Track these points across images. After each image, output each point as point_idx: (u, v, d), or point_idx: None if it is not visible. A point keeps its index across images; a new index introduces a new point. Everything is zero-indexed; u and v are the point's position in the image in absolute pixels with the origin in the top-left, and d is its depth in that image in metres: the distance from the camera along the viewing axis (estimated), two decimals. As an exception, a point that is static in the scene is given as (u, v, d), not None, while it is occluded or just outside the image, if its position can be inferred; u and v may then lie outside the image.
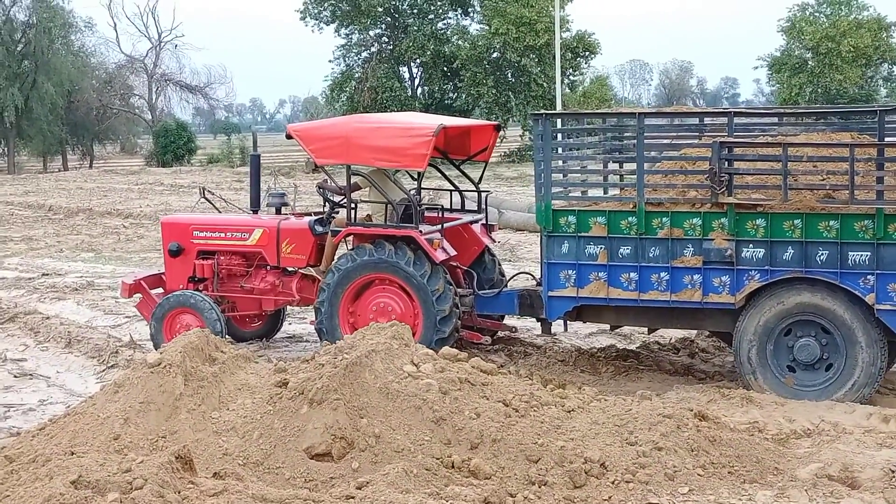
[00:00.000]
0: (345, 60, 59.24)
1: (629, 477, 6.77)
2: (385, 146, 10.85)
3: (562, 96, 44.71)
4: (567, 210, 10.25)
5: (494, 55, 55.15)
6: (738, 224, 9.61)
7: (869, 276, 9.27)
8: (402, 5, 57.80)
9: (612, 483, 6.75)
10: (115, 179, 44.25)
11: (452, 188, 12.45)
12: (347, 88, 57.40)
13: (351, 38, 59.00)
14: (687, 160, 10.38)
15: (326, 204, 11.97)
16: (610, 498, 6.62)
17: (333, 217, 11.82)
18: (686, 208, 9.87)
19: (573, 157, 11.20)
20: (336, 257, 11.51)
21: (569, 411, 7.56)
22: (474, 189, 12.24)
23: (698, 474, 6.88)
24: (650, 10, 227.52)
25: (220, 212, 13.78)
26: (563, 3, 52.59)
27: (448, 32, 57.95)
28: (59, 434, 7.38)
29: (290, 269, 11.96)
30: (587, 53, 56.51)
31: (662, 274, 9.86)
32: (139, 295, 12.31)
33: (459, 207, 12.39)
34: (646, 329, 11.45)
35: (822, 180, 9.56)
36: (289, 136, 11.50)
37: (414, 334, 10.55)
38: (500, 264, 12.32)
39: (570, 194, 10.78)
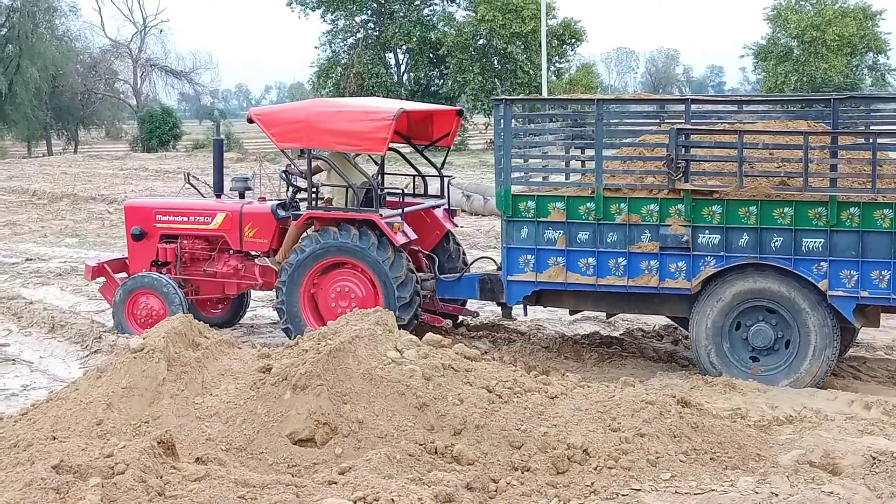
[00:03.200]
0: (331, 46, 59.05)
1: (612, 463, 6.79)
2: (346, 130, 10.91)
3: (548, 84, 44.70)
4: (526, 195, 10.30)
5: (480, 42, 55.09)
6: (695, 210, 9.69)
7: (822, 263, 9.37)
8: (389, -9, 57.66)
9: (595, 469, 6.76)
10: (99, 165, 44.02)
11: (415, 173, 12.45)
12: (333, 75, 57.19)
13: (337, 24, 58.79)
14: (645, 146, 10.45)
15: (289, 188, 11.98)
16: (592, 484, 6.63)
17: (296, 202, 11.80)
18: (643, 194, 9.94)
19: (533, 144, 11.24)
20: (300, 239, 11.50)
21: (552, 398, 7.56)
22: (437, 174, 12.24)
23: (680, 460, 6.90)
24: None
25: (204, 197, 13.74)
26: (550, -9, 52.53)
27: (434, 19, 57.81)
28: (41, 419, 7.35)
29: (252, 253, 11.96)
30: (573, 41, 56.46)
31: (620, 259, 9.94)
32: (103, 278, 12.36)
33: (422, 192, 12.39)
34: (604, 314, 11.52)
35: (778, 167, 9.64)
36: (250, 120, 11.57)
37: None
38: (463, 249, 12.32)
39: (531, 180, 10.81)
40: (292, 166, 11.96)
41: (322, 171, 11.80)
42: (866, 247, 9.26)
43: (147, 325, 11.47)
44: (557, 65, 57.34)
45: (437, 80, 58.19)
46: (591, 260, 10.02)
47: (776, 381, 9.58)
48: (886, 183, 9.46)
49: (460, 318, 12.15)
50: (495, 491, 6.54)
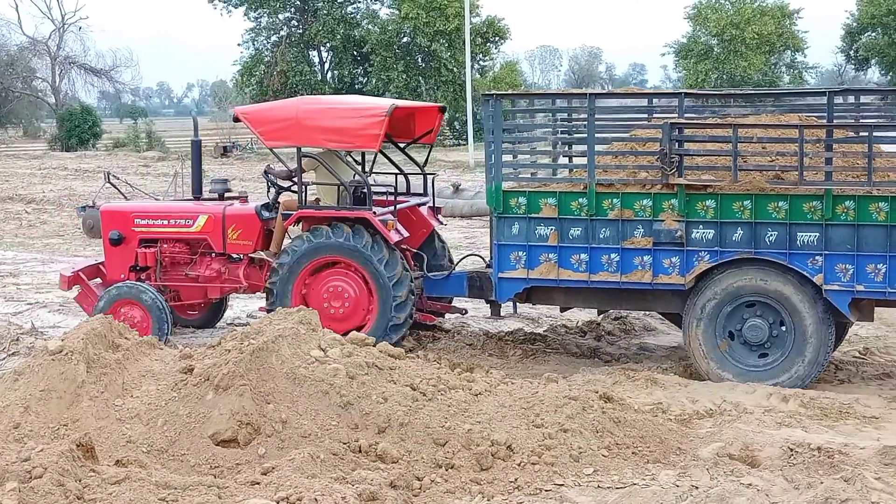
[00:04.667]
0: (254, 44, 58.81)
1: (535, 459, 6.83)
2: (337, 127, 10.74)
3: (472, 81, 44.86)
4: (517, 191, 10.19)
5: (405, 40, 55.23)
6: (688, 205, 9.62)
7: (817, 257, 9.34)
8: (312, -12, 57.50)
9: (519, 465, 6.80)
10: (17, 164, 43.27)
11: (398, 171, 12.32)
12: (257, 73, 56.95)
13: (260, 22, 58.56)
14: (637, 141, 10.39)
15: (271, 189, 11.78)
16: (516, 480, 6.67)
17: (279, 202, 11.64)
18: (636, 189, 9.84)
19: (524, 139, 11.16)
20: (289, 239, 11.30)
21: (476, 395, 7.59)
22: (420, 172, 12.14)
23: (603, 455, 6.96)
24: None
25: (126, 197, 13.56)
26: (473, -11, 52.73)
27: (358, 16, 57.80)
28: (-44, 423, 7.21)
29: (235, 255, 11.77)
30: (497, 39, 56.84)
31: (613, 255, 9.85)
32: (78, 287, 12.05)
33: (405, 190, 12.22)
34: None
35: (771, 161, 9.60)
36: (236, 119, 11.34)
37: (367, 320, 10.54)
38: (448, 248, 12.22)
39: (522, 175, 10.72)
40: (272, 167, 11.81)
41: (306, 170, 11.57)
42: (861, 240, 9.22)
43: None
44: (481, 62, 57.66)
45: (361, 78, 58.17)
46: (583, 256, 9.93)
47: (776, 375, 9.53)
48: (881, 176, 9.42)
49: (447, 316, 12.07)
50: (419, 489, 6.55)
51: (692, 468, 6.81)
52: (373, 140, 10.64)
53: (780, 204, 9.42)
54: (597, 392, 7.83)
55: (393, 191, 11.66)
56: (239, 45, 59.61)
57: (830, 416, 8.54)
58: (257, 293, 11.72)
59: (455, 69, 53.93)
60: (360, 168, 11.82)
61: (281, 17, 58.17)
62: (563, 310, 11.54)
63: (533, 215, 10.07)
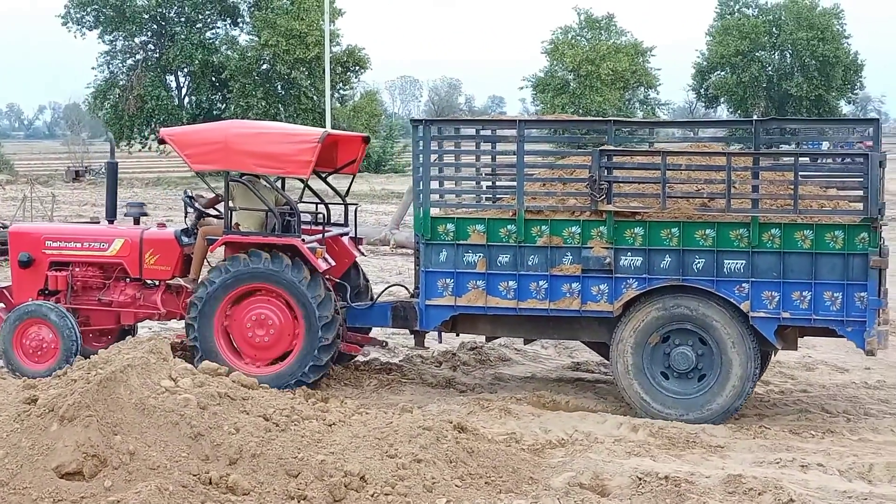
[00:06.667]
0: (109, 67, 57.77)
1: (388, 489, 6.81)
2: (267, 152, 10.53)
3: (332, 110, 44.87)
4: (446, 218, 10.16)
5: (264, 67, 54.96)
6: (617, 232, 9.67)
7: (744, 284, 9.45)
8: (170, 13, 56.86)
9: (372, 496, 6.77)
10: None
11: (318, 201, 12.10)
12: (111, 96, 55.96)
13: (115, 45, 57.58)
14: (566, 168, 10.46)
15: (187, 213, 11.46)
16: (369, 511, 6.64)
17: (198, 227, 11.29)
18: (565, 216, 9.88)
19: (453, 164, 11.13)
20: (206, 269, 10.98)
21: (330, 425, 7.55)
22: (341, 202, 11.97)
23: (456, 485, 6.98)
24: (420, 27, 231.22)
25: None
26: (334, 18, 52.92)
27: (217, 42, 57.31)
28: None
29: (151, 281, 11.40)
30: (357, 68, 57.02)
31: (541, 282, 9.84)
32: None
33: (325, 220, 11.92)
34: (522, 340, 11.38)
35: (698, 189, 9.72)
36: (161, 141, 11.04)
37: (294, 345, 10.36)
38: (367, 278, 12.03)
39: (450, 202, 10.68)
40: (188, 191, 11.49)
41: (220, 199, 11.21)
42: (787, 268, 9.37)
43: (37, 358, 10.81)
44: (341, 91, 57.79)
45: (219, 104, 57.64)
46: (511, 283, 9.89)
47: (704, 403, 9.57)
48: (807, 204, 9.56)
49: (366, 347, 11.88)
50: (271, 521, 6.48)
51: (544, 497, 6.89)
52: (304, 167, 10.47)
53: (707, 231, 9.54)
54: (451, 422, 7.86)
55: (317, 219, 11.49)
56: (93, 68, 58.48)
57: (678, 445, 8.74)
58: (172, 320, 11.38)
59: (315, 97, 53.87)
60: (287, 194, 11.60)
61: (137, 40, 57.32)
62: (488, 339, 11.51)
63: (461, 242, 10.04)
